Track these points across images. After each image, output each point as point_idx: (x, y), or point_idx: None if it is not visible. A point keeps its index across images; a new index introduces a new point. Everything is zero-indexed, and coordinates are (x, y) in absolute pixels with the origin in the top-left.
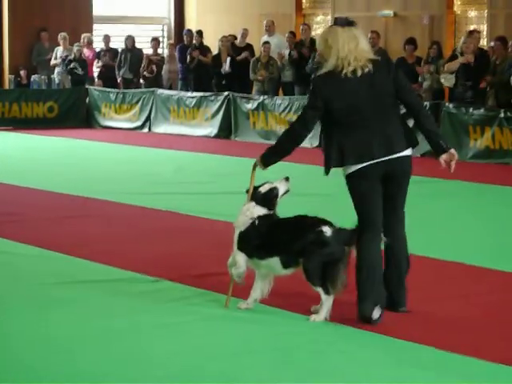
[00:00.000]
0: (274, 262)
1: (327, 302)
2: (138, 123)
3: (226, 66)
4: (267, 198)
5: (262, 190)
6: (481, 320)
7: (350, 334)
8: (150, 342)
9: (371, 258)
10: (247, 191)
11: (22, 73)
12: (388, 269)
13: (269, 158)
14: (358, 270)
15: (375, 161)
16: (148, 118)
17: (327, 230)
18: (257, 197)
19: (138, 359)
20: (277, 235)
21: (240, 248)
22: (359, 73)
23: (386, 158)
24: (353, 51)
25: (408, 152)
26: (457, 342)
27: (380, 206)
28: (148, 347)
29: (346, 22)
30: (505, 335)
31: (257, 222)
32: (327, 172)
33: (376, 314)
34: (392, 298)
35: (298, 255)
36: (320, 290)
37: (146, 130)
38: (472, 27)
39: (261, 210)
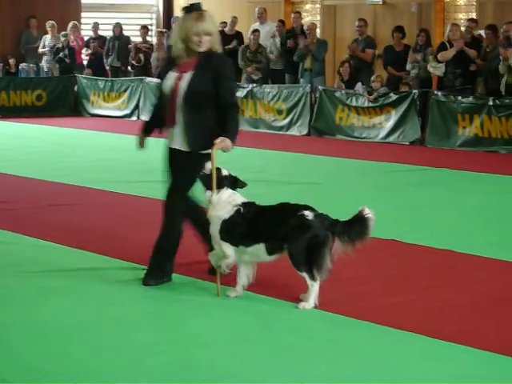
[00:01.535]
0: (259, 248)
1: (313, 287)
2: (127, 111)
3: None
4: (238, 183)
5: (230, 175)
6: (474, 309)
7: (339, 321)
8: (141, 330)
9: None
10: (203, 177)
11: (11, 61)
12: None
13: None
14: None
15: None
16: (136, 106)
17: (309, 214)
18: (232, 182)
19: (130, 346)
20: (261, 222)
21: (224, 238)
22: None
23: None
24: None
25: None
26: (450, 331)
27: None
28: (139, 335)
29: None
30: (499, 324)
31: (242, 209)
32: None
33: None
34: None
35: (282, 241)
36: (305, 275)
37: (134, 118)
38: (461, 15)
39: (242, 197)
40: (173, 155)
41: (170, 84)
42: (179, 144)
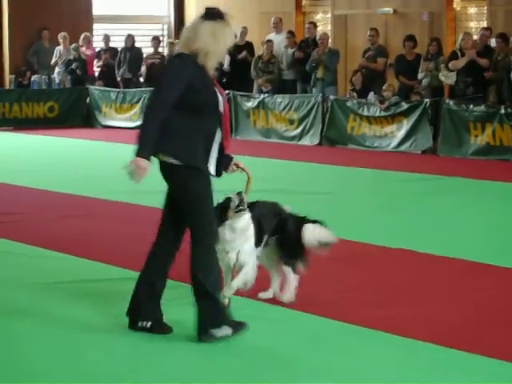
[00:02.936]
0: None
1: (294, 281)
2: (139, 123)
3: (225, 64)
4: None
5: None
6: (483, 317)
7: (351, 331)
8: (151, 339)
9: None
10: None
11: (28, 73)
12: None
13: None
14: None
15: None
16: None
17: (287, 208)
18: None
19: (139, 355)
20: (263, 217)
21: (257, 242)
22: None
23: None
24: None
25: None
26: (459, 339)
27: None
28: (148, 344)
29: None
30: (507, 332)
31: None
32: None
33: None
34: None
35: (272, 233)
36: (288, 268)
37: None
38: (472, 24)
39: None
40: (210, 182)
41: (222, 102)
42: (212, 168)
